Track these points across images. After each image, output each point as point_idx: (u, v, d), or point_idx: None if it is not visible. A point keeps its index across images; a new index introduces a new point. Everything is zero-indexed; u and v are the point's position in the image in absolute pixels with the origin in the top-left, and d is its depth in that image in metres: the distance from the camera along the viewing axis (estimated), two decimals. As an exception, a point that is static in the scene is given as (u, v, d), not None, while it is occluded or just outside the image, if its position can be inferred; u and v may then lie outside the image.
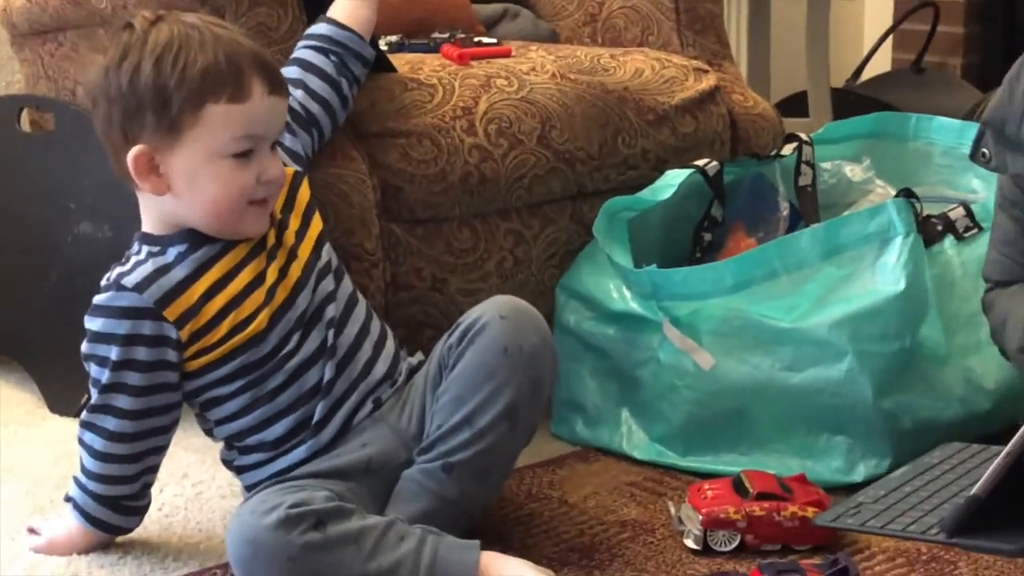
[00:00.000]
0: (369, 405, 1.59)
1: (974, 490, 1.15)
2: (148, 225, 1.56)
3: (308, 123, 1.71)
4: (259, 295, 1.54)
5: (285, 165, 1.61)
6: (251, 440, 1.58)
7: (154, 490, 1.64)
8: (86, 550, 1.61)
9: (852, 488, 1.69)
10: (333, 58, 1.74)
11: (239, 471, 1.61)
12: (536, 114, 1.96)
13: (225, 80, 1.45)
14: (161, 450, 1.60)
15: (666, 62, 2.15)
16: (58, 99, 2.16)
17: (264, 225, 1.55)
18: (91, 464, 1.57)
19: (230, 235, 1.53)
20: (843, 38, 3.60)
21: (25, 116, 2.27)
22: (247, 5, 1.78)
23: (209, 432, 1.63)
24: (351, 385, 1.58)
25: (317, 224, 1.63)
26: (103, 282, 1.54)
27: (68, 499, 1.61)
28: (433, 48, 2.13)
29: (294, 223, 1.60)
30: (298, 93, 1.71)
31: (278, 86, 1.51)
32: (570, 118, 1.99)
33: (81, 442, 1.58)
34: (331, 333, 1.57)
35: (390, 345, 1.65)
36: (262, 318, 1.53)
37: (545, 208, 2.00)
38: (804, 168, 2.03)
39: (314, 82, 1.73)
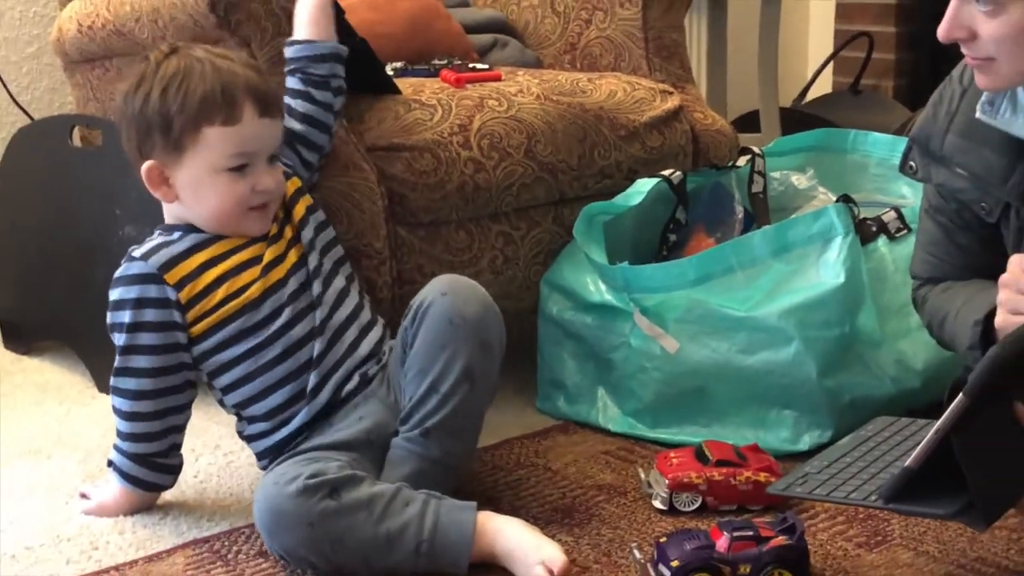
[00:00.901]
0: (356, 378, 1.59)
1: (907, 463, 1.15)
2: (167, 221, 1.62)
3: (289, 141, 1.68)
4: (254, 271, 1.57)
5: (289, 177, 1.64)
6: (254, 409, 1.58)
7: (190, 459, 1.64)
8: (130, 512, 1.61)
9: (799, 455, 1.69)
10: (297, 75, 1.72)
11: (249, 440, 1.62)
12: (523, 130, 1.96)
13: (219, 106, 1.50)
14: (182, 409, 1.60)
15: (636, 85, 2.15)
16: (105, 118, 2.16)
17: (264, 226, 1.59)
18: (122, 425, 1.59)
19: (233, 235, 1.58)
20: (790, 64, 3.60)
21: (76, 133, 2.27)
22: (270, 35, 1.78)
23: (221, 403, 1.63)
24: (338, 360, 1.59)
25: (315, 221, 1.64)
26: (122, 261, 1.59)
27: (109, 463, 1.62)
28: (433, 73, 2.12)
29: (294, 219, 1.62)
30: (294, 126, 1.71)
31: (269, 109, 1.54)
32: (553, 134, 1.99)
33: (113, 408, 1.59)
34: (319, 314, 1.58)
35: (376, 331, 1.65)
36: (255, 288, 1.56)
37: (531, 212, 2.00)
38: (756, 177, 2.04)
39: (290, 102, 1.71)
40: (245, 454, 1.77)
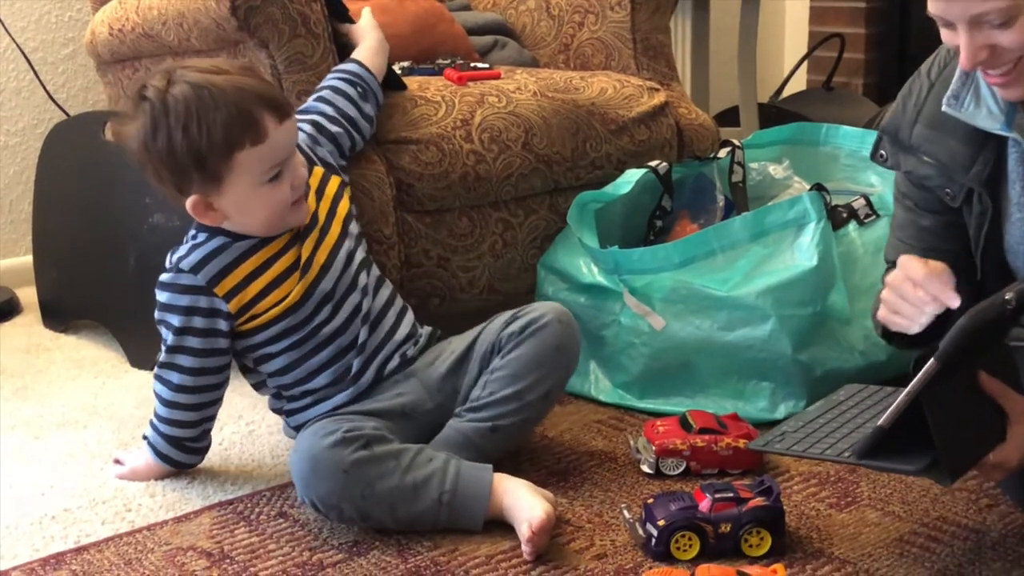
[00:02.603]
0: (396, 359, 1.59)
1: (880, 422, 1.16)
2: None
3: (332, 138, 1.69)
4: (295, 277, 1.53)
5: (314, 165, 1.61)
6: (297, 391, 1.58)
7: (214, 429, 1.64)
8: (160, 477, 1.61)
9: (774, 424, 1.69)
10: (359, 88, 1.74)
11: (289, 414, 1.61)
12: (521, 125, 1.96)
13: (243, 130, 1.42)
14: (216, 403, 1.59)
15: (625, 83, 2.14)
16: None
17: (304, 216, 1.54)
18: (161, 410, 1.58)
19: (278, 232, 1.53)
20: (767, 63, 3.59)
21: (109, 128, 2.26)
22: (287, 36, 1.77)
23: (258, 386, 1.63)
24: (380, 343, 1.58)
25: (344, 209, 1.62)
26: (167, 263, 1.55)
27: (144, 437, 1.61)
28: (437, 72, 2.11)
29: (323, 212, 1.59)
30: (328, 110, 1.70)
31: (284, 112, 1.46)
32: (548, 128, 1.98)
33: (155, 392, 1.58)
34: (365, 300, 1.57)
35: (409, 315, 1.65)
36: (297, 291, 1.53)
37: (528, 201, 2.00)
38: (736, 168, 2.03)
39: (341, 103, 1.71)
40: (266, 424, 1.78)
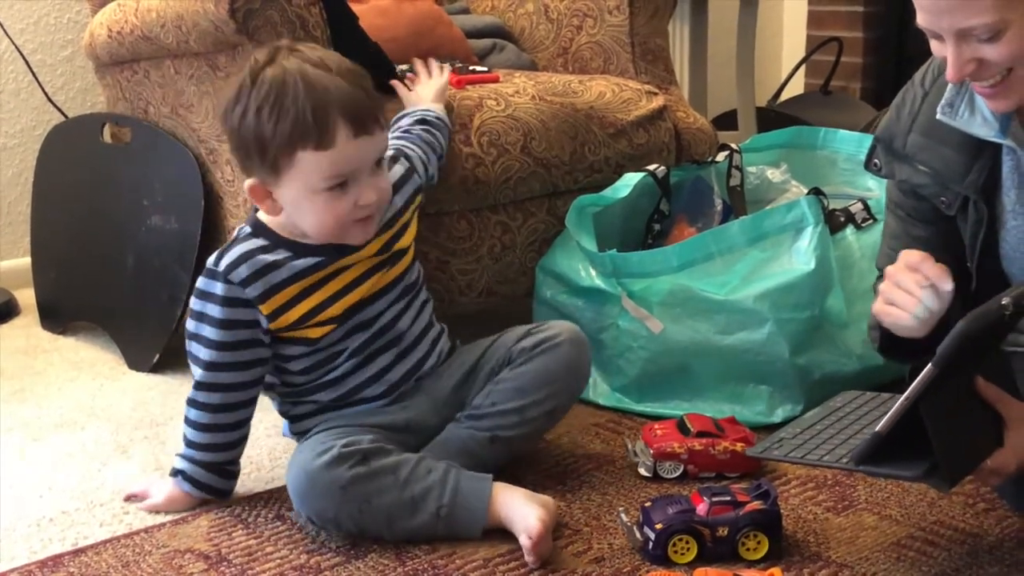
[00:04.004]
0: (412, 383, 1.57)
1: (877, 428, 1.16)
2: (266, 218, 1.49)
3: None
4: (343, 303, 1.49)
5: (420, 192, 1.60)
6: (306, 399, 1.55)
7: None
8: (196, 506, 1.53)
9: (772, 428, 1.69)
10: (431, 135, 1.77)
11: (292, 419, 1.57)
12: (519, 128, 1.96)
13: (310, 131, 1.37)
14: (251, 419, 1.53)
15: (623, 86, 2.15)
16: (133, 116, 2.15)
17: (367, 236, 1.47)
18: (197, 436, 1.50)
19: (336, 243, 1.47)
20: (765, 67, 3.59)
21: (107, 130, 2.26)
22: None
23: (267, 388, 1.57)
24: (407, 373, 1.55)
25: (411, 247, 1.58)
26: (211, 264, 1.47)
27: (178, 472, 1.52)
28: (436, 75, 2.11)
29: (405, 242, 1.55)
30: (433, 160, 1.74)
31: (366, 126, 1.39)
32: (547, 131, 1.99)
33: (187, 419, 1.50)
34: (393, 338, 1.53)
35: (442, 342, 1.61)
36: (336, 324, 1.49)
37: (527, 204, 2.00)
38: (734, 172, 2.03)
39: (417, 145, 1.72)
40: (263, 427, 1.78)
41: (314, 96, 1.37)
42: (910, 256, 1.34)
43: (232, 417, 1.51)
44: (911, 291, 1.32)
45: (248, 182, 1.45)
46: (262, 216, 1.49)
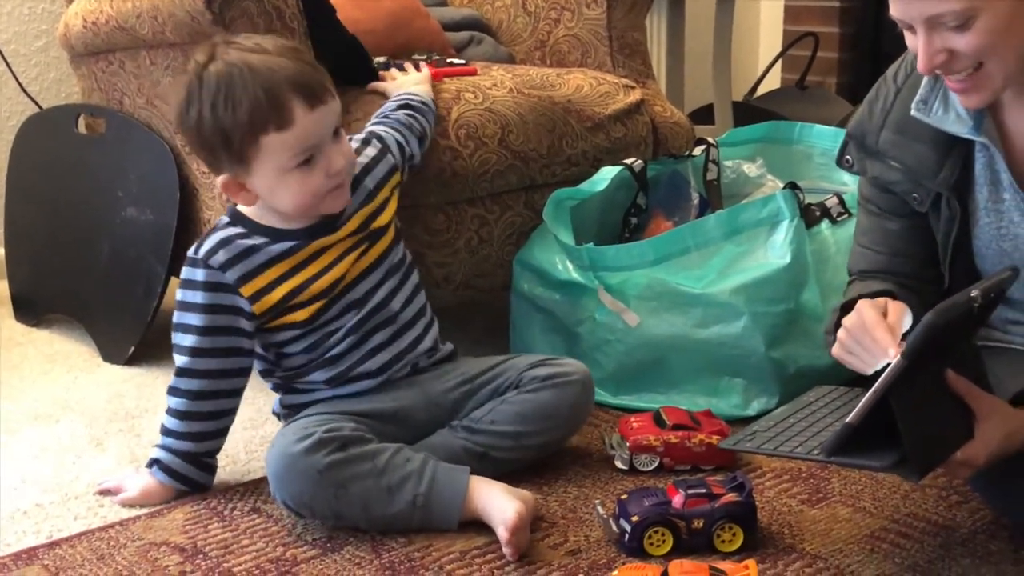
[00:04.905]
0: (407, 369, 1.57)
1: (848, 419, 1.17)
2: (243, 208, 1.50)
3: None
4: (322, 283, 1.50)
5: (398, 169, 1.61)
6: (299, 380, 1.55)
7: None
8: (172, 498, 1.53)
9: (747, 421, 1.70)
10: (415, 121, 1.77)
11: (283, 392, 1.57)
12: (497, 121, 1.96)
13: (268, 114, 1.39)
14: (234, 411, 1.54)
15: (601, 80, 2.15)
16: (108, 107, 2.14)
17: (343, 202, 1.49)
18: (176, 425, 1.51)
19: (313, 220, 1.49)
20: (742, 61, 3.60)
21: (81, 121, 2.25)
22: (262, 31, 1.75)
23: (264, 374, 1.58)
24: (399, 353, 1.55)
25: (391, 225, 1.59)
26: (191, 253, 1.49)
27: (154, 462, 1.53)
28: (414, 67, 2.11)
29: (384, 219, 1.56)
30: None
31: (317, 98, 1.41)
32: (524, 124, 1.99)
33: (169, 408, 1.51)
34: (387, 317, 1.54)
35: (435, 329, 1.62)
36: (321, 303, 1.50)
37: (504, 197, 2.00)
38: (711, 166, 2.04)
39: (399, 128, 1.73)
40: (239, 420, 1.77)
41: (262, 80, 1.39)
42: (867, 315, 1.32)
43: (211, 406, 1.51)
44: (869, 351, 1.32)
45: (220, 179, 1.46)
46: (240, 207, 1.51)
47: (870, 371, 1.34)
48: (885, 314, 1.33)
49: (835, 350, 1.37)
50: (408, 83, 1.87)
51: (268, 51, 1.42)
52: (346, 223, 1.52)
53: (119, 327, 2.08)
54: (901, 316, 1.34)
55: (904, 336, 1.31)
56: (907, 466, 1.18)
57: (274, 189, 1.45)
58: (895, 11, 1.29)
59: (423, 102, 1.81)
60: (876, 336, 1.30)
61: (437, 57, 2.14)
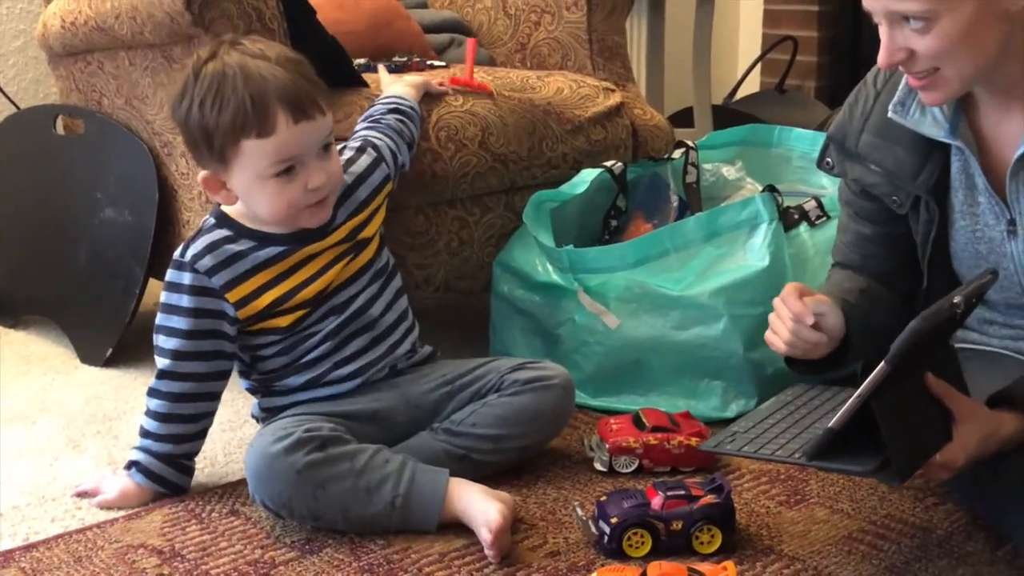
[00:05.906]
0: (385, 370, 1.57)
1: (830, 424, 1.17)
2: (229, 209, 1.50)
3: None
4: (309, 291, 1.50)
5: (390, 180, 1.61)
6: (276, 383, 1.55)
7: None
8: (150, 501, 1.52)
9: (726, 422, 1.70)
10: (404, 123, 1.77)
11: (261, 395, 1.57)
12: (477, 124, 1.96)
13: (251, 120, 1.39)
14: (213, 414, 1.54)
15: (581, 83, 2.15)
16: (87, 108, 2.13)
17: (323, 219, 1.48)
18: (156, 427, 1.50)
19: (292, 229, 1.48)
20: (721, 65, 3.61)
21: (60, 122, 2.24)
22: (242, 32, 1.75)
23: (243, 374, 1.58)
24: (378, 357, 1.56)
25: (377, 230, 1.59)
26: (178, 255, 1.48)
27: (133, 464, 1.52)
28: (395, 69, 2.11)
29: (371, 229, 1.57)
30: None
31: (305, 111, 1.41)
32: (505, 127, 1.99)
33: (148, 410, 1.51)
34: (367, 323, 1.54)
35: (415, 333, 1.62)
36: (305, 311, 1.50)
37: (484, 199, 2.00)
38: (690, 169, 2.05)
39: (388, 135, 1.71)
40: (217, 421, 1.76)
41: (252, 86, 1.40)
42: (785, 288, 1.40)
43: (192, 408, 1.51)
44: (784, 323, 1.39)
45: (201, 174, 1.47)
46: (225, 207, 1.50)
47: (783, 346, 1.40)
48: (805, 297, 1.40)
49: (767, 333, 1.43)
50: (398, 85, 1.86)
51: (268, 58, 1.42)
52: (335, 231, 1.52)
53: (97, 329, 2.07)
54: (822, 302, 1.41)
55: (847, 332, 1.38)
56: (889, 470, 1.19)
57: (251, 193, 1.45)
58: (865, 3, 1.31)
59: (412, 108, 1.80)
60: (788, 303, 1.38)
61: (418, 59, 2.13)
